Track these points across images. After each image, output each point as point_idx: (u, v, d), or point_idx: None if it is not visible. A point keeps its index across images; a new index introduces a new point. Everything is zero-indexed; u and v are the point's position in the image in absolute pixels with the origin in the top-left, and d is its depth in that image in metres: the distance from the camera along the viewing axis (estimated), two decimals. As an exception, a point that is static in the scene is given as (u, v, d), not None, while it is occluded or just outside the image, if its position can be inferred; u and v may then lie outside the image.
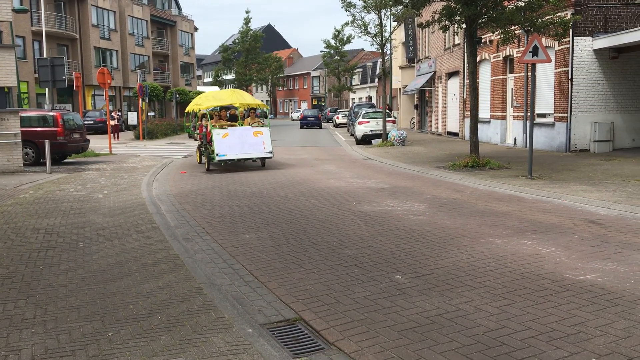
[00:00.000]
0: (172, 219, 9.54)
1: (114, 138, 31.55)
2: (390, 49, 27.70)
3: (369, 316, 4.96)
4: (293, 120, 71.61)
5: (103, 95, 46.67)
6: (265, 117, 20.83)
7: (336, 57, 60.16)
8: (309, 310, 5.16)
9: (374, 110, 31.21)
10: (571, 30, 17.03)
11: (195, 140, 21.16)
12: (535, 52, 13.14)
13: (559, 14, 15.93)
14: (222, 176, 15.80)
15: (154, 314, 5.03)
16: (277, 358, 4.16)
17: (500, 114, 23.59)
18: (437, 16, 16.25)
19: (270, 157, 17.14)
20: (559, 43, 18.39)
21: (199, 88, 64.77)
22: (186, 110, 20.36)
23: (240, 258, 7.00)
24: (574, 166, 15.07)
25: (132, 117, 42.18)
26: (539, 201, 10.55)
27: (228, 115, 18.93)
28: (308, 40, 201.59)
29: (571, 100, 18.54)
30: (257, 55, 62.20)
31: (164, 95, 50.10)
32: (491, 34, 20.62)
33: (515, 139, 22.32)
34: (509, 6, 15.53)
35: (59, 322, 4.87)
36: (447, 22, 16.14)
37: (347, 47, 60.58)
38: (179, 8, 64.94)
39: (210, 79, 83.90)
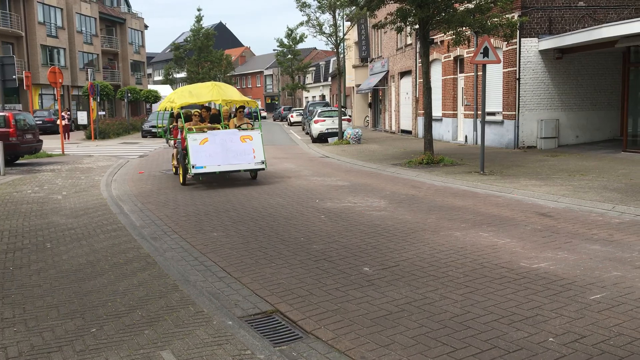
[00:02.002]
0: (137, 219, 9.58)
1: (65, 138, 30.84)
2: (344, 49, 28.09)
3: (342, 306, 5.23)
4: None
5: (50, 94, 45.49)
6: (257, 117, 16.33)
7: (289, 56, 60.36)
8: (284, 303, 5.39)
9: (329, 108, 31.56)
10: (518, 31, 17.76)
11: (171, 146, 17.99)
12: (485, 53, 13.72)
13: (507, 15, 16.62)
14: (203, 192, 12.78)
15: (134, 310, 5.16)
16: (260, 347, 4.37)
17: (452, 112, 24.32)
18: (391, 17, 16.67)
19: (263, 169, 13.42)
20: (507, 44, 19.14)
21: (150, 87, 63.76)
22: (158, 109, 17.48)
23: (211, 255, 7.16)
24: (523, 162, 15.76)
25: (82, 117, 41.22)
26: (492, 196, 11.07)
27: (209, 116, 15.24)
28: (260, 39, 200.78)
29: (519, 99, 19.33)
30: (209, 53, 61.67)
31: (114, 94, 49.14)
32: (442, 34, 21.27)
33: (466, 137, 23.06)
34: (460, 8, 16.10)
35: (39, 320, 4.95)
36: (401, 24, 16.58)
37: (300, 46, 60.89)
38: (128, 5, 63.71)
39: (160, 77, 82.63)
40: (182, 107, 14.34)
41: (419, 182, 13.34)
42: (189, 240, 7.99)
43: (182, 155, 13.68)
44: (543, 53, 19.15)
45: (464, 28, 16.11)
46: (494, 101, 20.37)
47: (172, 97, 14.72)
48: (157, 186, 13.67)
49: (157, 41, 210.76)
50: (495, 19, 15.68)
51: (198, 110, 14.85)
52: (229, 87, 15.29)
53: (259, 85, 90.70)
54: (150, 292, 5.69)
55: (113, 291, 5.73)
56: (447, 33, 17.61)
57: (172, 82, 69.59)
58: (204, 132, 13.26)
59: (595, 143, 19.63)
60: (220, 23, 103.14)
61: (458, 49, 22.48)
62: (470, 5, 16.04)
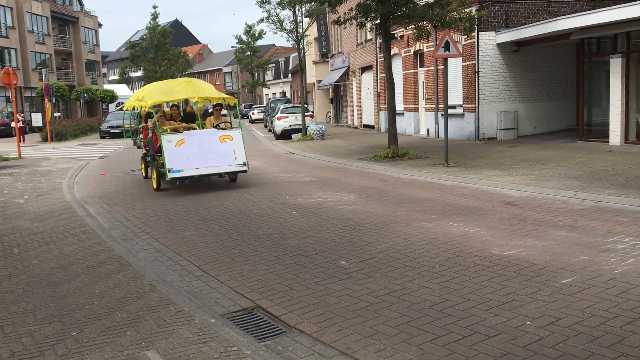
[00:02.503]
0: (105, 221, 9.43)
1: (20, 141, 29.94)
2: (303, 45, 28.02)
3: (323, 299, 5.28)
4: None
5: (2, 96, 44.06)
6: (235, 116, 14.76)
7: (248, 53, 59.96)
8: (264, 299, 5.41)
9: (291, 105, 31.54)
10: (476, 25, 18.10)
11: (139, 148, 16.12)
12: (447, 47, 13.95)
13: (466, 10, 16.93)
14: (171, 192, 12.42)
15: (113, 312, 5.10)
16: (245, 343, 4.39)
17: (413, 106, 24.63)
18: (352, 13, 16.78)
19: (245, 171, 12.35)
20: (466, 38, 19.49)
21: (106, 86, 62.43)
22: (124, 108, 15.85)
23: (186, 255, 7.12)
24: (485, 153, 16.11)
25: (37, 119, 40.11)
26: (458, 187, 11.29)
27: (181, 115, 14.57)
28: (218, 36, 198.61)
29: (478, 92, 19.72)
30: (166, 51, 60.70)
31: (69, 95, 47.94)
32: (403, 29, 21.50)
33: (428, 130, 23.40)
34: (420, 3, 16.32)
35: (16, 326, 4.84)
36: (363, 19, 16.71)
37: (259, 43, 60.52)
38: (80, 4, 62.17)
39: (116, 77, 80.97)
40: (153, 107, 12.97)
41: (385, 175, 13.49)
42: (161, 241, 7.91)
43: (152, 157, 12.84)
44: (500, 46, 19.58)
45: (424, 23, 16.34)
46: (455, 94, 20.71)
47: (141, 95, 13.53)
48: (122, 187, 13.45)
49: (111, 40, 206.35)
50: (455, 13, 15.96)
51: (169, 108, 14.04)
52: (204, 84, 14.24)
53: (218, 83, 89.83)
54: (127, 293, 5.63)
55: (89, 294, 5.64)
56: (408, 28, 17.84)
57: (128, 81, 68.26)
58: (179, 132, 12.19)
59: (552, 133, 20.19)
60: (177, 20, 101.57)
61: (418, 43, 22.77)
62: (430, 0, 16.27)
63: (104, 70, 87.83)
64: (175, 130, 12.39)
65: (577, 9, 19.17)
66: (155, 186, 12.41)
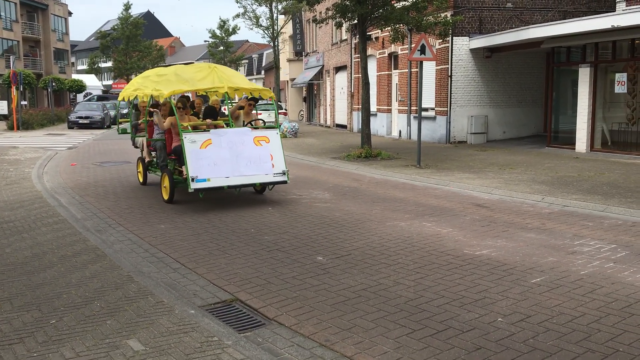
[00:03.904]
0: (78, 212, 9.34)
1: (-15, 128, 29.25)
2: (278, 43, 28.09)
3: (301, 293, 5.38)
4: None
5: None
6: (275, 112, 11.67)
7: (221, 48, 59.56)
8: (243, 291, 5.48)
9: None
10: (451, 30, 18.41)
11: (137, 147, 12.82)
12: (422, 50, 14.18)
13: (442, 14, 17.22)
14: (145, 185, 11.78)
15: (92, 302, 5.10)
16: (225, 334, 4.46)
17: (386, 107, 24.89)
18: (331, 13, 16.90)
19: (285, 182, 9.90)
20: (440, 42, 19.80)
21: (74, 76, 61.28)
22: (120, 98, 12.97)
23: (162, 247, 7.12)
24: (456, 156, 16.41)
25: (2, 107, 39.15)
26: (430, 188, 11.51)
27: (203, 109, 11.28)
28: (190, 30, 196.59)
29: (450, 96, 20.06)
30: (138, 42, 59.91)
31: (37, 84, 46.94)
32: (378, 31, 21.72)
33: (400, 132, 23.68)
34: (397, 6, 16.54)
35: (-7, 314, 4.81)
36: (341, 19, 16.85)
37: (232, 38, 60.14)
38: (50, -10, 60.83)
39: (85, 67, 79.58)
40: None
41: (359, 174, 13.65)
42: (136, 233, 7.89)
43: (162, 158, 10.76)
44: (473, 52, 19.94)
45: (400, 25, 16.56)
46: (427, 97, 21.01)
47: (147, 83, 10.98)
48: (93, 178, 13.30)
49: (81, 29, 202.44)
50: (431, 18, 16.22)
51: (187, 101, 11.25)
52: (232, 72, 11.47)
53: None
54: (105, 283, 5.63)
55: (66, 283, 5.62)
56: (384, 30, 18.05)
57: (98, 72, 67.16)
58: (203, 130, 9.83)
59: (521, 138, 20.66)
60: (149, 12, 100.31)
61: (393, 45, 23.01)
62: (407, 3, 16.50)
63: (73, 59, 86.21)
64: (196, 129, 9.98)
65: (549, 19, 19.67)
66: (166, 197, 9.96)
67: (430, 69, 20.66)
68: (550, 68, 18.35)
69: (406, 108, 22.65)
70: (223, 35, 57.55)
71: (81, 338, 4.31)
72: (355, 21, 16.89)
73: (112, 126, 35.53)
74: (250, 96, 11.18)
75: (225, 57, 57.74)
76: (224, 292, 5.51)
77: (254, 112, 11.43)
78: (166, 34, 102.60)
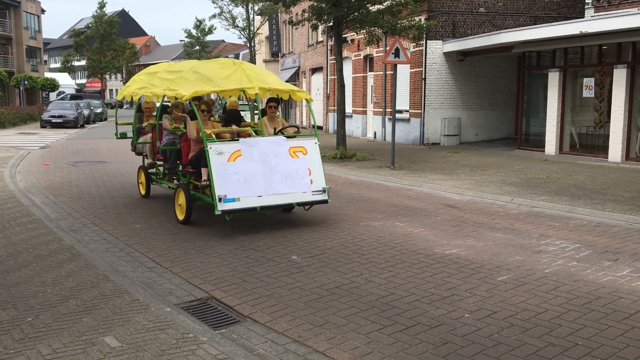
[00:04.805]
0: (52, 212, 9.32)
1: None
2: (254, 44, 28.16)
3: (275, 291, 5.50)
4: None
5: None
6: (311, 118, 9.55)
7: (197, 47, 59.37)
8: (218, 290, 5.58)
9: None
10: (425, 34, 18.70)
11: (139, 154, 10.99)
12: (397, 53, 14.41)
13: (415, 18, 17.49)
14: (119, 185, 12.18)
15: (68, 300, 5.15)
16: (201, 331, 4.56)
17: (361, 109, 25.11)
18: (307, 15, 17.04)
19: (326, 202, 8.33)
20: (414, 46, 20.08)
21: (47, 74, 60.40)
22: (119, 96, 11.19)
23: (137, 247, 7.18)
24: (429, 158, 16.68)
25: (-28, 104, 38.44)
26: (403, 189, 11.72)
27: (218, 115, 10.73)
28: (166, 29, 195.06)
29: (424, 98, 20.36)
30: (112, 41, 59.38)
31: (8, 82, 46.18)
32: (354, 33, 21.93)
33: (375, 133, 23.92)
34: (372, 9, 16.75)
35: (-32, 312, 4.83)
36: (316, 22, 17.00)
37: (208, 38, 60.01)
38: (23, -13, 59.82)
39: (58, 65, 78.47)
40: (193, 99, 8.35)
41: (334, 175, 13.80)
42: (111, 232, 7.92)
43: (170, 170, 9.45)
44: (447, 55, 20.26)
45: (375, 28, 16.78)
46: (402, 100, 21.28)
47: (156, 82, 9.53)
48: (67, 178, 13.23)
49: (54, 27, 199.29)
50: (405, 21, 16.47)
51: (204, 102, 8.91)
52: (261, 70, 9.84)
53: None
54: (80, 282, 5.67)
55: (41, 282, 5.65)
56: (360, 32, 18.25)
57: (71, 70, 66.34)
58: (228, 140, 8.13)
59: (493, 141, 21.06)
60: (123, 10, 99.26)
61: (368, 48, 23.25)
62: (382, 7, 16.73)
63: (46, 57, 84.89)
64: (220, 137, 8.31)
65: (520, 24, 20.10)
66: (181, 217, 8.34)
67: (404, 72, 20.92)
68: (521, 72, 18.76)
69: (381, 110, 22.89)
70: (199, 35, 57.36)
71: (57, 335, 4.37)
72: (331, 23, 17.07)
73: (85, 125, 35.17)
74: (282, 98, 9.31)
75: (201, 57, 57.48)
76: (199, 290, 5.60)
77: (278, 115, 9.42)
78: (141, 32, 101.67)
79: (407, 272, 6.05)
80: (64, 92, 53.96)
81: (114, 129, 11.66)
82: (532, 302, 5.14)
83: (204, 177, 8.09)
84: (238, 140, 8.05)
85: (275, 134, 8.99)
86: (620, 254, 6.63)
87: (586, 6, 18.48)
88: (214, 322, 4.83)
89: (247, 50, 37.62)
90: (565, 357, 4.08)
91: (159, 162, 10.26)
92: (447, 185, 11.67)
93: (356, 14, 16.39)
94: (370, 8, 16.70)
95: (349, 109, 25.77)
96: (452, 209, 9.48)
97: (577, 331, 4.52)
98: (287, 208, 8.87)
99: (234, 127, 8.62)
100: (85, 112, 36.30)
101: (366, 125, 25.06)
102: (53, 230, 7.87)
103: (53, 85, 51.95)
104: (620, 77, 14.43)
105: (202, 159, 8.07)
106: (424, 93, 20.31)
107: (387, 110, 21.72)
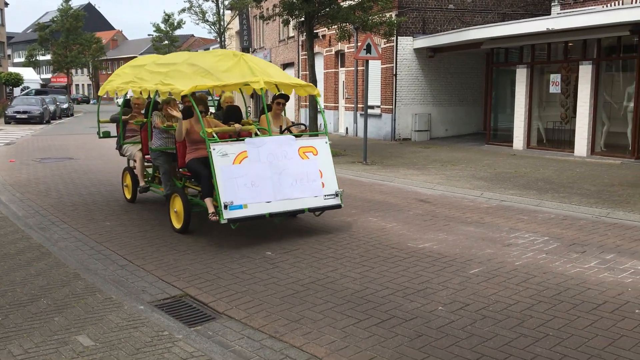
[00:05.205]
0: (19, 209, 9.13)
1: None
2: (225, 39, 27.93)
3: (251, 288, 5.49)
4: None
5: None
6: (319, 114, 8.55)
7: (166, 42, 58.63)
8: (192, 287, 5.55)
9: (211, 98, 31.22)
10: (396, 30, 18.81)
11: (124, 155, 9.97)
12: (368, 49, 14.46)
13: (387, 14, 17.58)
14: (88, 182, 12.74)
15: (38, 299, 5.06)
16: (176, 328, 4.52)
17: (333, 105, 25.15)
18: (278, 10, 16.98)
19: (339, 207, 7.62)
20: (385, 42, 20.18)
21: (11, 69, 58.94)
22: (102, 92, 10.04)
23: (108, 244, 7.08)
24: (400, 153, 16.81)
25: None
26: (376, 184, 11.79)
27: (212, 111, 9.89)
28: (134, 23, 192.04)
29: (395, 94, 20.50)
30: (78, 35, 58.22)
31: (-31, 76, 44.98)
32: (325, 29, 21.94)
33: (347, 129, 23.99)
34: (343, 5, 16.78)
35: None
36: (288, 17, 16.95)
37: (177, 32, 59.28)
38: (-16, -21, 58.26)
39: (22, 59, 76.62)
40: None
41: (306, 171, 13.80)
42: (81, 230, 7.80)
43: (167, 177, 8.49)
44: (417, 51, 20.42)
45: (347, 24, 16.81)
46: (373, 95, 21.39)
47: (145, 76, 8.62)
48: (34, 175, 12.95)
49: (18, 20, 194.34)
50: (376, 17, 16.55)
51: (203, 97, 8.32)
52: (264, 61, 8.88)
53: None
54: (51, 281, 5.57)
55: (10, 281, 5.54)
56: (331, 28, 18.28)
57: (36, 65, 64.86)
58: (236, 139, 7.43)
59: (462, 136, 21.32)
60: (89, 4, 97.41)
61: (340, 44, 23.27)
62: (353, 2, 16.77)
63: (9, 52, 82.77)
64: (221, 137, 7.49)
65: (488, 20, 20.37)
66: (178, 226, 7.62)
67: (375, 68, 21.02)
68: (490, 68, 19.02)
69: (353, 105, 22.96)
70: (168, 29, 56.65)
71: (29, 335, 4.29)
72: (302, 19, 17.04)
73: (51, 121, 34.46)
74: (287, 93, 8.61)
75: (170, 51, 56.82)
76: (173, 287, 5.56)
77: (282, 114, 8.80)
78: (108, 26, 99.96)
79: (381, 266, 6.10)
80: (28, 87, 52.70)
81: (82, 125, 11.37)
82: (504, 294, 5.24)
83: (210, 209, 7.09)
84: (243, 140, 7.24)
85: (281, 132, 8.38)
86: (587, 246, 6.79)
87: (552, 3, 18.83)
88: (189, 320, 4.81)
89: (218, 45, 37.33)
90: (537, 347, 4.18)
91: (147, 165, 9.39)
92: (418, 180, 11.78)
93: (327, 9, 16.40)
94: (341, 4, 16.72)
95: (321, 104, 25.75)
96: (424, 204, 9.58)
97: (547, 322, 4.63)
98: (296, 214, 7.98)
99: (237, 125, 7.80)
100: (51, 107, 35.55)
101: (338, 121, 25.12)
102: (21, 229, 7.70)
103: (17, 80, 50.71)
104: (585, 74, 14.75)
105: (200, 182, 7.26)
106: (395, 89, 20.44)
107: (358, 105, 21.81)
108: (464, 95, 21.64)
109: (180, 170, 8.09)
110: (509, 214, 8.66)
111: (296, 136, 7.83)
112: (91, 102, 78.30)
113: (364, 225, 7.96)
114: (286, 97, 8.61)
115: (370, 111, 21.68)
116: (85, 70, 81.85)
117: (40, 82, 65.88)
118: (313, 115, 16.99)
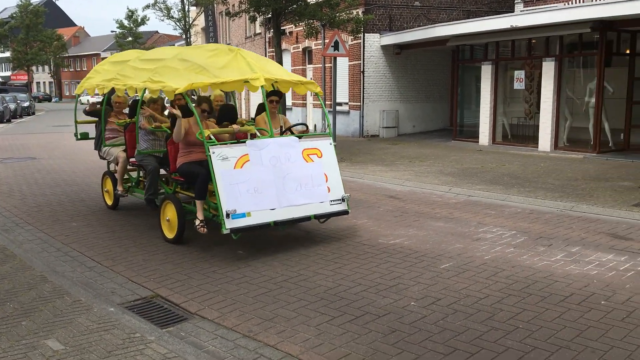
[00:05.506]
0: (-20, 211, 8.87)
1: None
2: (190, 35, 27.59)
3: (223, 287, 5.45)
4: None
5: None
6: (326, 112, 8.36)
7: (130, 39, 57.65)
8: (163, 287, 5.48)
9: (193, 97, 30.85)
10: (363, 27, 18.88)
11: (104, 158, 9.21)
12: (336, 46, 14.50)
13: (354, 11, 17.63)
14: (52, 182, 13.51)
15: (4, 303, 4.93)
16: (148, 330, 4.46)
17: (301, 102, 25.12)
18: (244, 6, 16.86)
19: (346, 213, 7.22)
20: (352, 39, 20.24)
21: (-32, 66, 57.25)
22: (77, 92, 9.91)
23: (75, 245, 6.95)
24: (369, 150, 16.90)
25: None
26: (346, 181, 11.69)
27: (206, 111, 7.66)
28: (96, 19, 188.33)
29: (363, 91, 20.58)
30: (39, 32, 56.83)
31: None
32: (292, 26, 21.89)
33: (315, 126, 23.99)
34: (310, 2, 16.76)
35: None
36: (254, 13, 16.85)
37: (141, 29, 58.37)
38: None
39: (-21, 56, 74.46)
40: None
41: (275, 169, 13.77)
42: (47, 232, 7.63)
43: (154, 172, 7.86)
44: (384, 48, 20.54)
45: (314, 21, 16.80)
46: (341, 92, 21.44)
47: (129, 73, 8.07)
48: (-5, 176, 12.61)
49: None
50: (343, 14, 16.58)
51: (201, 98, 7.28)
52: (262, 57, 8.30)
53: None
54: (17, 284, 5.43)
55: (-26, 286, 5.38)
56: (298, 25, 18.25)
57: (-6, 63, 63.08)
58: (237, 142, 6.83)
59: (429, 132, 21.55)
60: (50, 0, 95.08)
61: (307, 41, 23.25)
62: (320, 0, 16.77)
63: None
64: (221, 139, 6.90)
65: (454, 17, 20.60)
66: (171, 235, 7.01)
67: (343, 65, 21.07)
68: (456, 65, 19.25)
69: (320, 102, 22.98)
70: (131, 25, 55.73)
71: (-5, 341, 4.18)
72: (269, 15, 16.96)
73: (12, 120, 33.58)
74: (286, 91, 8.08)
75: (134, 48, 55.97)
76: (143, 288, 5.49)
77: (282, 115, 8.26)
78: (69, 23, 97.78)
79: (353, 263, 6.13)
80: (-15, 85, 51.25)
81: (44, 124, 11.05)
82: (474, 288, 5.32)
83: (200, 215, 6.65)
84: (245, 142, 6.69)
85: (282, 133, 7.82)
86: (553, 239, 6.95)
87: (516, 1, 19.14)
88: (161, 321, 4.75)
89: (183, 42, 36.90)
90: (508, 340, 4.25)
91: (130, 168, 8.83)
92: (387, 177, 11.87)
93: (295, 6, 16.35)
94: (308, 0, 16.70)
95: (289, 101, 25.73)
96: (393, 200, 9.65)
97: (517, 315, 4.72)
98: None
99: (235, 126, 7.13)
100: (12, 106, 34.63)
101: (306, 118, 25.09)
102: (-17, 231, 7.50)
103: (-25, 78, 49.31)
104: (548, 70, 15.05)
105: (196, 182, 6.67)
106: (363, 86, 20.52)
107: (326, 102, 21.84)
108: (430, 92, 21.86)
109: (172, 175, 7.43)
110: (476, 209, 8.80)
111: (298, 137, 7.24)
112: (53, 100, 76.54)
113: (335, 222, 7.97)
114: (280, 95, 8.08)
115: (338, 108, 21.73)
116: (46, 67, 79.98)
117: (-1, 79, 64.18)
118: (282, 112, 16.92)
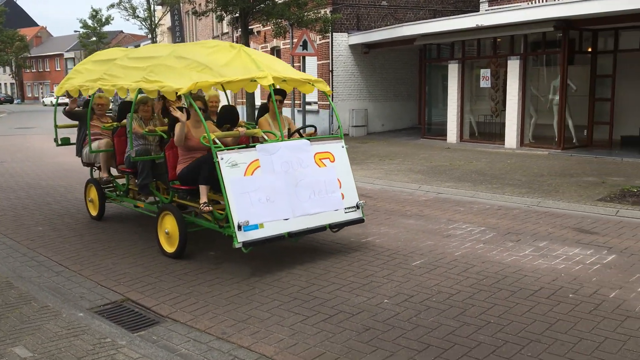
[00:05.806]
0: (-59, 217, 8.60)
1: None
2: (156, 35, 27.22)
3: (195, 289, 5.40)
4: (45, 105, 65.31)
5: None
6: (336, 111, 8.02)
7: (94, 39, 56.61)
8: (133, 291, 5.40)
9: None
10: (330, 26, 18.91)
11: (87, 164, 8.59)
12: (304, 46, 14.49)
13: (321, 11, 17.65)
14: (16, 185, 13.23)
15: (-32, 312, 4.79)
16: (119, 334, 4.38)
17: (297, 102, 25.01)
18: (211, 5, 16.73)
19: (361, 221, 6.71)
20: (320, 38, 20.26)
21: None
22: (59, 92, 8.41)
23: (42, 250, 6.80)
24: (339, 149, 16.90)
25: None
26: (316, 180, 11.82)
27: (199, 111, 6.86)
28: (59, 19, 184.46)
29: (332, 90, 20.62)
30: (-1, 32, 55.46)
31: None
32: (260, 25, 21.79)
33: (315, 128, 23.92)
34: (278, 1, 16.72)
35: None
36: (222, 13, 16.73)
37: (106, 28, 57.39)
38: None
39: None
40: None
41: (245, 169, 13.69)
42: (11, 236, 7.45)
43: (146, 181, 7.15)
44: (352, 47, 20.61)
45: (282, 20, 16.76)
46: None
47: (118, 72, 7.30)
48: (-44, 180, 12.24)
49: None
50: (311, 14, 16.58)
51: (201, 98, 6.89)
52: (267, 55, 7.76)
53: (59, 69, 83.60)
54: (-19, 291, 5.29)
55: None
56: (266, 24, 18.18)
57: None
58: (246, 146, 6.28)
59: (398, 131, 21.71)
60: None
61: (275, 40, 23.19)
62: (287, -1, 16.75)
63: None
64: (226, 144, 6.43)
65: (420, 17, 20.80)
66: (172, 250, 6.42)
67: (312, 64, 21.05)
68: (423, 64, 19.44)
69: (290, 102, 22.92)
70: (95, 25, 54.74)
71: (-41, 350, 4.06)
72: (237, 15, 16.86)
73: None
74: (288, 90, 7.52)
75: (99, 48, 54.99)
76: (113, 292, 5.39)
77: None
78: (31, 23, 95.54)
79: (326, 262, 6.13)
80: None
81: (6, 126, 10.76)
82: (446, 285, 5.38)
83: (203, 198, 6.12)
84: (254, 146, 6.12)
85: (290, 136, 7.27)
86: (521, 235, 7.07)
87: (481, 0, 19.42)
88: (132, 325, 4.68)
89: (149, 42, 36.44)
90: (480, 335, 4.31)
91: (118, 176, 8.22)
92: (358, 175, 11.89)
93: (262, 5, 16.29)
94: (276, 0, 16.66)
95: (257, 100, 25.58)
96: (365, 198, 9.65)
97: (488, 310, 4.78)
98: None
99: (241, 129, 6.60)
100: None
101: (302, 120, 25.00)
102: (-56, 237, 7.27)
103: None
104: (513, 68, 15.31)
105: (200, 172, 6.14)
106: (332, 85, 20.55)
107: (296, 102, 21.81)
108: (399, 91, 22.02)
109: (171, 184, 6.65)
110: (446, 206, 8.89)
111: (308, 139, 6.71)
112: (15, 101, 74.71)
113: (307, 221, 7.96)
114: (284, 94, 7.57)
115: (308, 107, 21.69)
116: (7, 68, 78.02)
117: (-42, 81, 62.39)
118: (250, 112, 16.87)
